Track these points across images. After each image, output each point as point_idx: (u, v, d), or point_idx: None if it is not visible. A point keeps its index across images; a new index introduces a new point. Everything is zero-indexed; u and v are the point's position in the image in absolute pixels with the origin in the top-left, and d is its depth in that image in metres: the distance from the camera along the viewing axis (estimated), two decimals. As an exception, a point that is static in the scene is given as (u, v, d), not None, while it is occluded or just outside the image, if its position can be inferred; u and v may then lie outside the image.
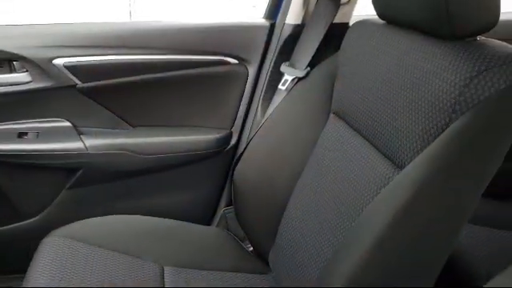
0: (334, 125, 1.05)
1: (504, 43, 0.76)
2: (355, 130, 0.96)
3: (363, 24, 1.04)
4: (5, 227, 1.34)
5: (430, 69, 0.75)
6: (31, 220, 1.35)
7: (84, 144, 1.29)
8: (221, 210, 1.48)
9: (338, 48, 1.08)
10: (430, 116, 0.72)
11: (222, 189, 1.48)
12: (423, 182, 0.68)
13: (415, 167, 0.70)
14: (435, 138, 0.71)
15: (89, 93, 1.28)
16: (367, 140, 0.91)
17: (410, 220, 0.69)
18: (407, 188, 0.69)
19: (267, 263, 1.17)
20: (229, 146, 1.43)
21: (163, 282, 1.04)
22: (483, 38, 0.78)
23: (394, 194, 0.71)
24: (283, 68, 1.29)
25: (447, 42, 0.76)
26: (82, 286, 0.97)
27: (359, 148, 0.93)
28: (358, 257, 0.72)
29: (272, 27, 1.37)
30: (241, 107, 1.42)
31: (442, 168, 0.68)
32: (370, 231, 0.71)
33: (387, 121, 0.84)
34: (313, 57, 1.24)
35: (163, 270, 1.08)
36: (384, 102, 0.86)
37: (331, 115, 1.07)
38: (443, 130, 0.70)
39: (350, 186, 0.89)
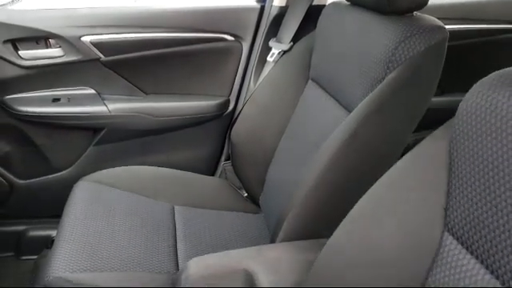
0: (310, 89, 1.19)
1: (432, 18, 0.92)
2: (326, 91, 1.10)
3: (334, 6, 1.17)
4: (42, 178, 1.47)
5: (374, 37, 0.92)
6: (64, 172, 1.48)
7: (107, 107, 1.40)
8: (221, 164, 1.59)
9: (316, 26, 1.19)
10: (373, 71, 0.89)
11: (222, 146, 1.59)
12: (362, 119, 0.84)
13: (358, 108, 0.86)
14: (375, 87, 0.88)
15: (110, 65, 1.39)
16: (332, 97, 1.06)
17: (351, 148, 0.85)
18: (350, 124, 0.85)
19: (258, 205, 1.30)
20: (227, 111, 1.53)
21: (174, 217, 1.19)
22: (419, 13, 0.95)
23: (340, 129, 0.87)
24: (271, 43, 1.40)
25: (391, 17, 0.93)
26: (109, 222, 1.09)
27: (327, 104, 1.07)
28: (313, 178, 0.88)
29: (262, 9, 1.46)
30: (236, 77, 1.51)
31: (377, 109, 0.84)
32: (323, 158, 0.87)
33: (346, 79, 0.99)
34: (295, 33, 1.35)
35: (174, 208, 1.22)
36: (345, 66, 1.01)
37: (309, 81, 1.20)
38: (381, 81, 0.87)
39: (318, 133, 1.04)
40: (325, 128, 1.00)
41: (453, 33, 0.93)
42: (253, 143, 1.30)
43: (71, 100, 1.40)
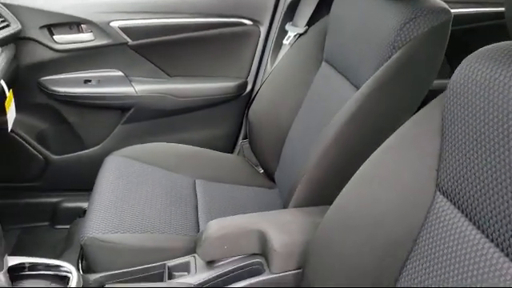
0: (324, 69, 1.24)
1: (437, 0, 0.97)
2: (338, 71, 1.16)
3: None
4: (75, 154, 1.57)
5: (382, 19, 0.96)
6: (94, 148, 1.57)
7: (134, 89, 1.49)
8: (239, 142, 1.65)
9: (330, 10, 1.23)
10: (380, 51, 0.94)
11: (240, 125, 1.65)
12: (366, 96, 0.90)
13: (363, 86, 0.92)
14: (381, 66, 0.93)
15: (137, 49, 1.47)
16: (344, 76, 1.11)
17: (356, 123, 0.91)
18: (355, 101, 0.91)
19: (274, 181, 1.37)
20: (245, 92, 1.59)
21: (195, 189, 1.26)
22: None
23: (347, 106, 0.93)
24: (287, 27, 1.45)
25: (397, 1, 0.98)
26: (136, 192, 1.17)
27: (338, 83, 1.13)
28: (321, 151, 0.95)
29: (278, -5, 1.50)
30: (254, 60, 1.56)
31: (381, 86, 0.90)
32: (330, 132, 0.94)
33: (356, 59, 1.04)
34: (310, 17, 1.40)
35: (195, 181, 1.29)
36: (356, 46, 1.06)
37: (323, 62, 1.25)
38: (387, 60, 0.92)
39: (329, 110, 1.09)
40: (335, 105, 1.05)
41: (460, 17, 0.97)
42: (269, 122, 1.36)
43: (101, 81, 1.49)
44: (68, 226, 1.51)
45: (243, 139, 1.64)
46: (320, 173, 0.96)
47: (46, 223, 1.60)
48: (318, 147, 0.96)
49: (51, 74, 1.46)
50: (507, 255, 0.52)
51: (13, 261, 0.88)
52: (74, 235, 1.37)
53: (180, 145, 1.45)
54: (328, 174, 0.95)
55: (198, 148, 1.46)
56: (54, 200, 1.59)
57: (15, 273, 0.87)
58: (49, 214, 1.60)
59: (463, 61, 0.63)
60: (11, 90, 1.25)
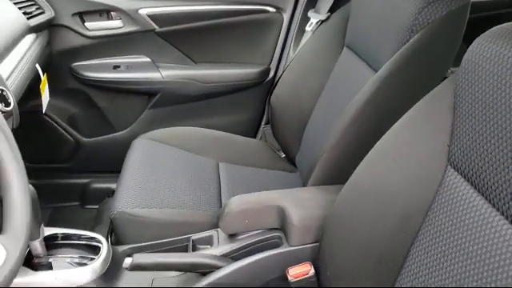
0: (345, 55, 1.27)
1: None
2: (359, 56, 1.18)
3: None
4: (104, 137, 1.64)
5: (401, 3, 0.98)
6: (123, 132, 1.63)
7: (161, 74, 1.54)
8: (261, 127, 1.70)
9: None
10: (399, 35, 0.96)
11: (263, 111, 1.69)
12: (383, 79, 0.93)
13: (381, 69, 0.95)
14: (400, 49, 0.96)
15: (164, 36, 1.52)
16: (364, 61, 1.13)
17: (373, 105, 0.94)
18: (373, 84, 0.94)
19: (295, 165, 1.40)
20: (268, 78, 1.62)
21: (218, 171, 1.31)
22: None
23: (365, 88, 0.96)
24: (310, 14, 1.48)
25: None
26: (162, 172, 1.22)
27: (359, 68, 1.15)
28: (339, 132, 0.99)
29: (302, -18, 1.52)
30: (277, 47, 1.60)
31: (398, 70, 0.92)
32: (349, 114, 0.97)
33: (376, 43, 1.06)
34: (332, 4, 1.43)
35: (218, 164, 1.34)
36: (376, 31, 1.08)
37: (344, 48, 1.27)
38: (405, 44, 0.94)
39: (349, 93, 1.11)
40: (355, 89, 1.07)
41: (478, 4, 0.98)
42: (291, 107, 1.40)
43: (129, 67, 1.55)
44: (97, 206, 1.58)
45: (265, 124, 1.68)
46: (338, 153, 0.99)
47: (77, 203, 1.68)
48: (337, 128, 0.99)
49: (82, 60, 1.52)
50: None
51: (48, 231, 0.95)
52: (103, 213, 1.44)
53: (204, 129, 1.50)
54: (346, 153, 0.98)
55: (222, 132, 1.50)
56: (84, 181, 1.67)
57: (50, 242, 0.94)
58: (79, 195, 1.67)
59: (476, 40, 0.65)
60: (45, 74, 1.32)
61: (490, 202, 0.60)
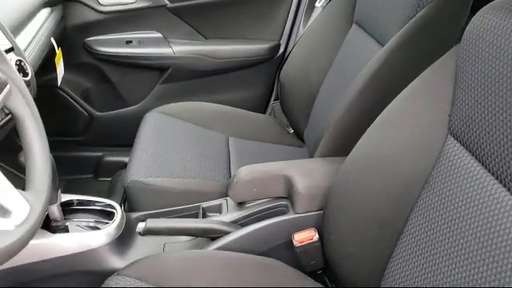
0: (354, 31, 1.28)
1: None
2: (367, 32, 1.19)
3: None
4: (116, 111, 1.68)
5: None
6: (135, 106, 1.67)
7: (172, 49, 1.57)
8: (270, 103, 1.72)
9: None
10: (406, 9, 0.97)
11: (272, 87, 1.71)
12: (390, 53, 0.94)
13: (388, 43, 0.96)
14: (406, 24, 0.97)
15: (175, 11, 1.54)
16: (372, 36, 1.15)
17: (379, 78, 0.96)
18: (379, 57, 0.96)
19: (303, 141, 1.42)
20: (277, 54, 1.64)
21: (228, 145, 1.34)
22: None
23: (372, 62, 0.98)
24: None
25: None
26: (174, 144, 1.26)
27: (367, 43, 1.16)
28: (345, 105, 1.01)
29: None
30: (287, 23, 1.61)
31: (404, 43, 0.94)
32: (355, 87, 1.00)
33: (384, 18, 1.08)
34: None
35: (228, 138, 1.37)
36: (383, 5, 1.09)
37: (353, 24, 1.28)
38: (412, 18, 0.96)
39: (357, 68, 1.13)
40: (362, 64, 1.08)
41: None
42: (300, 83, 1.41)
43: (141, 42, 1.58)
44: (110, 179, 1.63)
45: (274, 100, 1.71)
46: (344, 125, 1.02)
47: (90, 175, 1.73)
48: (343, 102, 1.02)
49: (96, 35, 1.56)
50: None
51: (64, 198, 1.00)
52: (117, 185, 1.49)
53: (214, 104, 1.52)
54: (351, 126, 1.01)
55: (232, 108, 1.53)
56: (98, 154, 1.71)
57: (66, 207, 0.99)
58: (93, 167, 1.72)
59: (478, 12, 0.67)
60: (60, 48, 1.35)
61: (489, 170, 0.62)
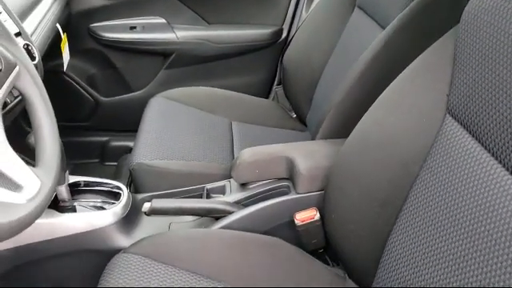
0: (356, 14, 1.28)
1: None
2: (369, 15, 1.20)
3: None
4: (121, 96, 1.70)
5: None
6: (139, 92, 1.69)
7: (176, 35, 1.59)
8: (273, 88, 1.74)
9: None
10: None
11: (275, 72, 1.73)
12: (391, 35, 0.96)
13: (389, 26, 0.97)
14: (407, 6, 0.98)
15: None
16: (373, 19, 1.16)
17: (380, 60, 0.97)
18: (380, 40, 0.97)
19: (305, 125, 1.44)
20: (280, 39, 1.66)
21: (231, 129, 1.36)
22: None
23: (372, 45, 0.99)
24: None
25: None
26: (178, 128, 1.27)
27: (369, 26, 1.17)
28: (347, 88, 1.03)
29: None
30: (289, 8, 1.62)
31: (405, 26, 0.95)
32: (356, 70, 1.01)
33: (385, 2, 1.09)
34: None
35: (231, 123, 1.38)
36: None
37: (356, 8, 1.28)
38: (412, 0, 0.96)
39: (358, 51, 1.14)
40: (364, 46, 1.09)
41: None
42: (302, 67, 1.42)
43: (145, 28, 1.60)
44: (116, 163, 1.66)
45: (277, 85, 1.72)
46: (345, 107, 1.03)
47: (96, 160, 1.75)
48: (344, 84, 1.03)
49: (100, 21, 1.57)
50: None
51: (72, 179, 1.02)
52: (122, 168, 1.51)
53: (218, 89, 1.54)
54: (352, 108, 1.02)
55: (235, 92, 1.55)
56: (103, 139, 1.74)
57: (74, 188, 1.01)
58: (98, 152, 1.75)
59: None
60: (65, 34, 1.37)
61: (486, 148, 0.64)
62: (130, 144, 1.51)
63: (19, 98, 0.67)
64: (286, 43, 1.63)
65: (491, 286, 0.56)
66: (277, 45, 1.67)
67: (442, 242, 0.66)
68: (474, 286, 0.57)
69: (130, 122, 1.54)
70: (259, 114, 1.48)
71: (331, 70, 1.32)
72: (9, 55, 0.62)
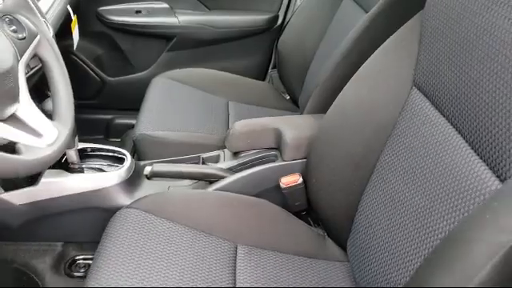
0: (346, 2, 1.34)
1: None
2: (357, 3, 1.27)
3: None
4: (126, 76, 1.78)
5: None
6: (143, 72, 1.77)
7: (178, 19, 1.67)
8: (269, 71, 1.82)
9: None
10: None
11: (271, 55, 1.81)
12: (374, 17, 1.03)
13: (372, 9, 1.04)
14: None
15: None
16: (361, 7, 1.23)
17: (362, 41, 1.05)
18: (363, 22, 1.05)
19: (298, 106, 1.51)
20: (276, 25, 1.74)
21: (228, 109, 1.43)
22: None
23: (356, 27, 1.07)
24: None
25: None
26: (177, 104, 1.38)
27: (356, 12, 1.24)
28: (332, 66, 1.11)
29: None
30: (285, -5, 1.70)
31: (387, 9, 1.01)
32: (340, 51, 1.09)
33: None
34: None
35: (228, 102, 1.46)
36: None
37: (346, -5, 1.38)
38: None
39: (344, 36, 1.22)
40: (350, 30, 1.18)
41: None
42: (295, 51, 1.51)
43: (150, 12, 1.68)
44: (119, 139, 1.75)
45: (272, 68, 1.80)
46: (331, 84, 1.12)
47: (101, 136, 1.84)
48: (330, 63, 1.12)
49: (108, 5, 1.66)
50: (470, 145, 0.64)
51: (80, 145, 1.12)
52: (126, 143, 1.60)
53: (216, 71, 1.62)
54: (337, 85, 1.09)
55: (232, 74, 1.63)
56: (108, 117, 1.82)
57: (82, 153, 1.11)
58: (103, 129, 1.83)
59: None
60: (75, 16, 1.46)
61: (445, 116, 0.72)
62: (133, 122, 1.58)
63: (39, 65, 0.76)
64: (281, 29, 1.71)
65: (447, 232, 0.63)
66: (272, 30, 1.74)
67: (407, 199, 0.74)
68: (437, 233, 0.65)
69: (133, 101, 1.60)
70: (255, 95, 1.56)
71: (322, 54, 1.40)
72: (31, 25, 0.72)
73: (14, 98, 0.63)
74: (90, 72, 1.76)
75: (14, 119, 0.62)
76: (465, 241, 0.48)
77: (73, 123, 0.72)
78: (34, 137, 0.63)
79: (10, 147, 0.59)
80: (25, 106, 0.65)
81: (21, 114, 0.63)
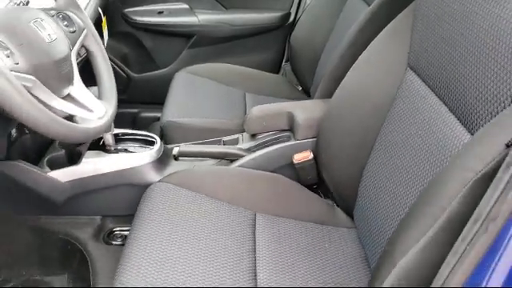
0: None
1: None
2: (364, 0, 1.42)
3: None
4: (150, 73, 1.89)
5: None
6: (165, 69, 1.88)
7: (197, 18, 1.79)
8: (282, 64, 1.93)
9: None
10: None
11: (284, 50, 1.91)
12: (375, 10, 1.12)
13: (374, 3, 1.15)
14: None
15: None
16: (366, 2, 1.36)
17: (366, 31, 1.14)
18: (365, 14, 1.14)
19: (309, 96, 1.61)
20: (288, 22, 1.85)
21: (245, 99, 1.54)
22: None
23: (359, 19, 1.17)
24: None
25: None
26: (198, 96, 1.50)
27: (360, 7, 1.35)
28: (339, 55, 1.21)
29: None
30: (296, -7, 1.81)
31: (386, 2, 1.12)
32: (346, 42, 1.20)
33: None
34: None
35: (245, 94, 1.57)
36: None
37: (353, -6, 1.49)
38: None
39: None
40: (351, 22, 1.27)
41: None
42: (307, 46, 1.61)
43: (171, 12, 1.81)
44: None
45: (285, 62, 1.91)
46: (337, 72, 1.21)
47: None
48: (337, 53, 1.23)
49: (133, 6, 1.79)
50: (452, 112, 0.73)
51: (115, 130, 1.24)
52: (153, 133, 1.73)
53: (234, 65, 1.74)
54: (342, 73, 1.19)
55: (249, 68, 1.74)
56: (135, 110, 1.93)
57: (117, 137, 1.24)
58: (130, 122, 1.94)
59: None
60: (105, 16, 1.59)
61: (437, 95, 0.82)
62: (158, 114, 1.70)
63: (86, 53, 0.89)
64: (293, 25, 1.81)
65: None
66: (285, 27, 1.85)
67: (404, 167, 0.84)
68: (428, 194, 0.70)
69: (157, 96, 1.71)
70: (269, 87, 1.67)
71: (330, 47, 1.50)
72: (79, 21, 0.84)
73: (69, 80, 0.76)
74: (118, 69, 1.87)
75: (70, 98, 0.75)
76: (441, 181, 0.58)
77: (116, 101, 0.84)
78: (87, 111, 0.75)
79: (69, 119, 0.72)
80: (78, 87, 0.77)
81: (75, 94, 0.76)
